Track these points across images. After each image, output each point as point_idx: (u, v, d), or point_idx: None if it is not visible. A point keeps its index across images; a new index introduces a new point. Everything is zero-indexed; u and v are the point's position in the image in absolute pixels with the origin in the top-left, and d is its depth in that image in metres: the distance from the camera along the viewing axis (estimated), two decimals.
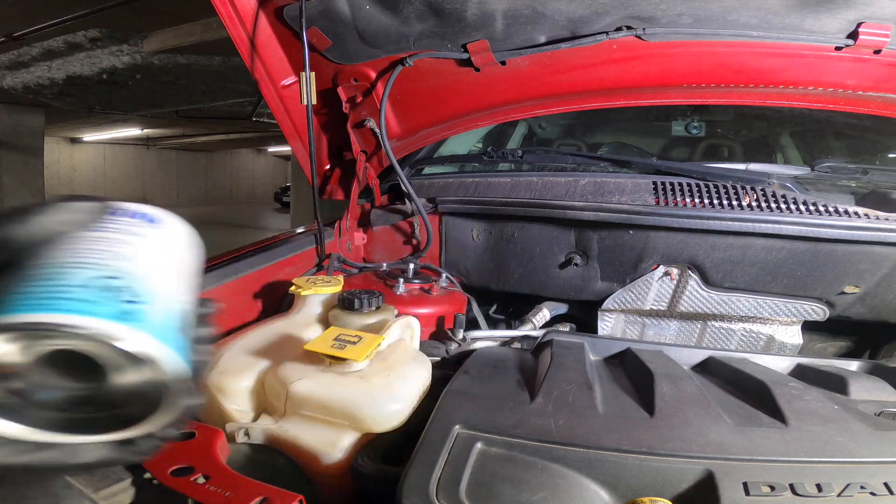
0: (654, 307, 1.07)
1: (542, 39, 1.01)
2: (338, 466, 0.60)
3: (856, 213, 0.94)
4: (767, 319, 1.02)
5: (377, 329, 0.76)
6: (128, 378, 0.29)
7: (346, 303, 0.79)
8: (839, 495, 0.45)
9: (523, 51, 1.02)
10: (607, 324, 1.10)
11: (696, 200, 1.01)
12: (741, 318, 1.03)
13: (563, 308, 1.19)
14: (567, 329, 1.12)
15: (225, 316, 0.90)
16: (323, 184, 1.34)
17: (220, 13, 0.98)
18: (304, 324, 0.83)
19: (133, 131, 11.24)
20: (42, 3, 3.53)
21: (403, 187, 1.14)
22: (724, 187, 1.03)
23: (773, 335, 1.02)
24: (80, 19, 3.59)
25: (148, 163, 15.01)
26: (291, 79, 1.13)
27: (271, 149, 17.55)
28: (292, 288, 0.86)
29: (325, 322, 0.84)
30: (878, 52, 0.93)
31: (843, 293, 0.97)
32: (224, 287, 0.89)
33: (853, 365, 0.78)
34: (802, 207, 0.96)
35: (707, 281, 1.02)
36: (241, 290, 0.94)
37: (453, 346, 0.89)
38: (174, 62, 4.57)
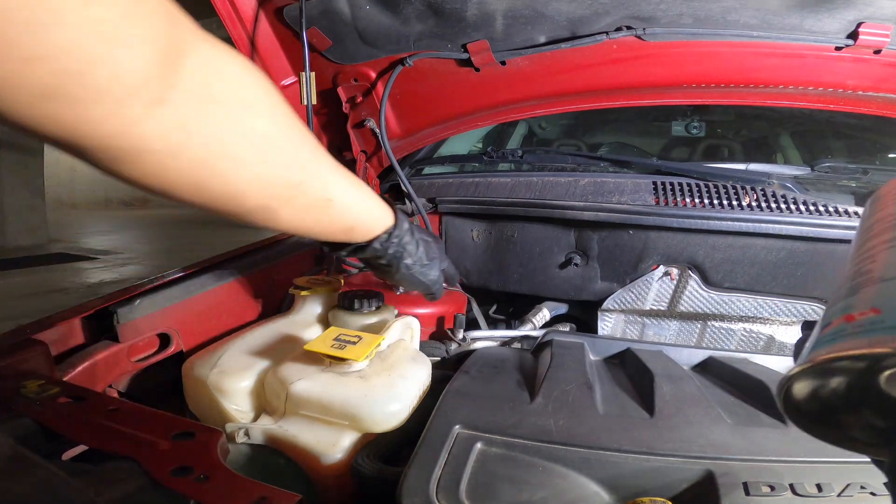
0: (654, 307, 1.07)
1: (542, 39, 1.01)
2: (338, 466, 0.60)
3: (856, 213, 0.93)
4: (767, 319, 1.02)
5: (377, 329, 0.76)
6: None
7: (346, 303, 0.79)
8: (839, 495, 0.45)
9: (523, 51, 1.02)
10: (607, 324, 1.10)
11: (696, 200, 1.01)
12: (741, 319, 1.03)
13: (563, 308, 1.18)
14: (567, 329, 1.12)
15: (225, 316, 0.90)
16: None
17: (220, 13, 0.98)
18: (304, 324, 0.83)
19: None
20: None
21: (403, 187, 1.14)
22: (724, 187, 1.03)
23: (773, 335, 1.02)
24: None
25: None
26: (291, 79, 1.13)
27: None
28: (292, 288, 0.86)
29: (325, 322, 0.84)
30: (878, 52, 0.93)
31: None
32: (224, 287, 0.89)
33: None
34: (802, 207, 0.96)
35: (707, 281, 1.02)
36: (241, 290, 0.94)
37: (453, 346, 0.89)
38: None
